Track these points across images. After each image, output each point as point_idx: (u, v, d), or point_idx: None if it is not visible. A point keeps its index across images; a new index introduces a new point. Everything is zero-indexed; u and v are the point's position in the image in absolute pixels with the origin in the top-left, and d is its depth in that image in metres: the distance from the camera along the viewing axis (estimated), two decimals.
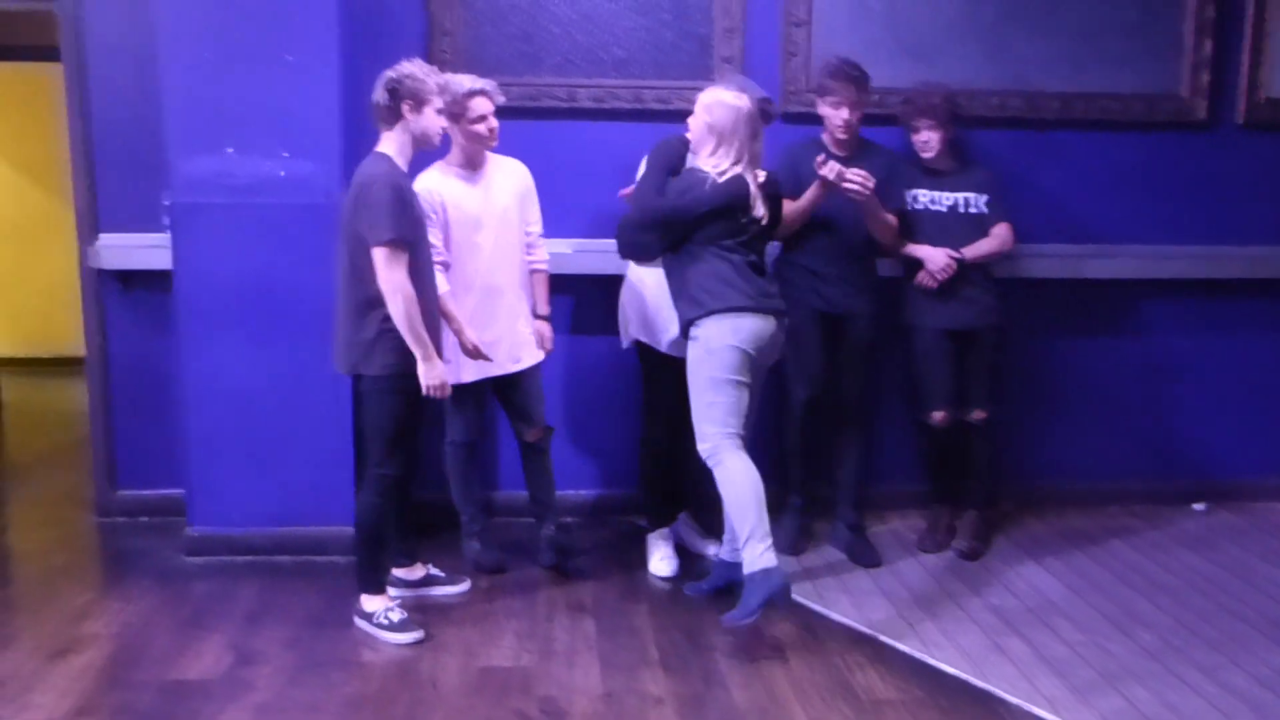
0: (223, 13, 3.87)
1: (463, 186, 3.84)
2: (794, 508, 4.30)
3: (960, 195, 4.21)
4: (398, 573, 3.82)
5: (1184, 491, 4.90)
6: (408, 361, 3.42)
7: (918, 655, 3.44)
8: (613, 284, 4.17)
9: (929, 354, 4.26)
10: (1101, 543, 4.43)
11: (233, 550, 4.12)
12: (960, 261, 4.12)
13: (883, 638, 3.56)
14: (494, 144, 3.84)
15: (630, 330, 4.09)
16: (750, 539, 3.47)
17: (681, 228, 3.64)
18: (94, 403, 4.55)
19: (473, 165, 3.87)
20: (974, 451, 4.36)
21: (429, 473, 4.22)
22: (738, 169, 3.61)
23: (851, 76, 3.97)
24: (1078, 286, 4.69)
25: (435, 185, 3.80)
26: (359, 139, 3.91)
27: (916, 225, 4.23)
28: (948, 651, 3.46)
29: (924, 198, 4.23)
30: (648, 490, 4.23)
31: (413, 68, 3.44)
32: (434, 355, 3.44)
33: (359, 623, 3.60)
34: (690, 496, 4.24)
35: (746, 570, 3.47)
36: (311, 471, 4.10)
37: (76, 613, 3.68)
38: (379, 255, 3.32)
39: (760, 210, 3.69)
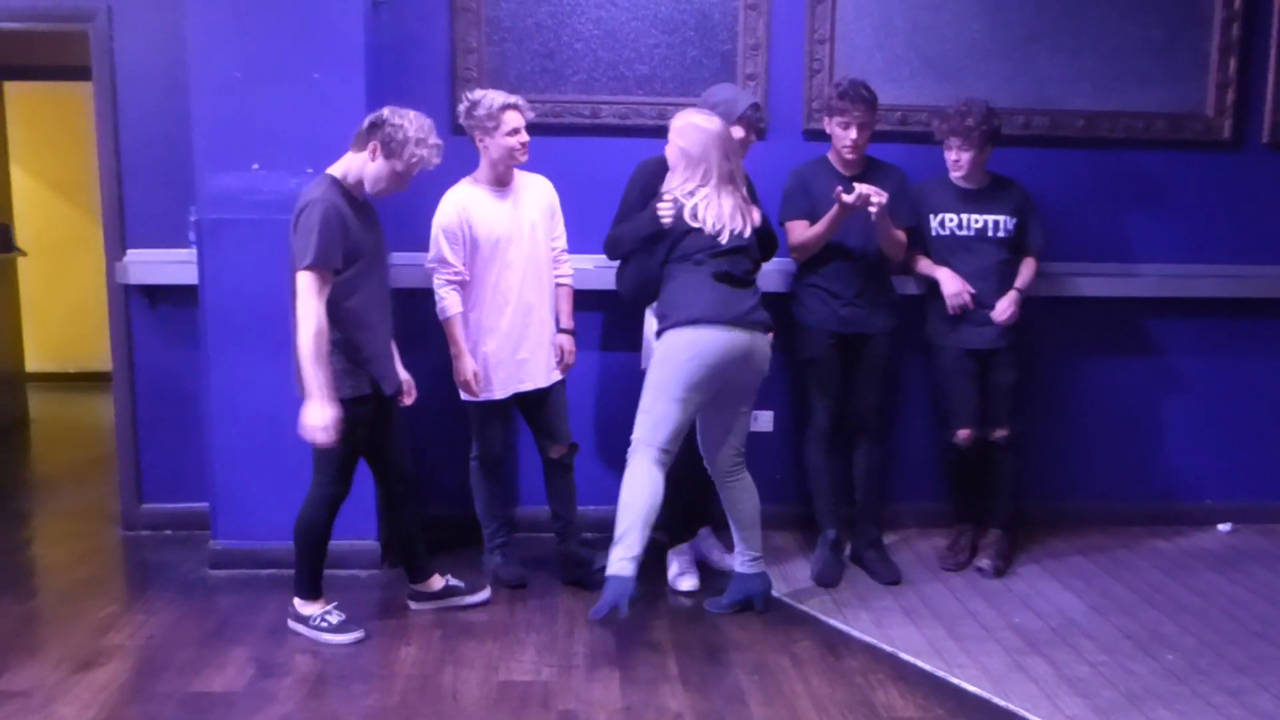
0: (251, 32, 3.92)
1: (492, 203, 3.86)
2: (827, 541, 4.20)
3: (990, 218, 4.18)
4: (416, 587, 3.83)
5: (1209, 512, 4.87)
6: (354, 386, 3.43)
7: (939, 674, 3.42)
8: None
9: (952, 373, 4.24)
10: (1125, 562, 4.40)
11: (256, 563, 4.14)
12: (976, 292, 4.14)
13: (904, 655, 3.54)
14: (525, 158, 3.85)
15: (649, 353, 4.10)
16: (619, 542, 3.51)
17: (644, 246, 3.70)
18: (120, 417, 4.60)
19: (502, 182, 3.88)
20: (997, 470, 4.33)
21: (450, 488, 4.24)
22: (705, 189, 3.64)
23: (863, 97, 3.97)
24: (1102, 305, 4.68)
25: (463, 203, 3.82)
26: None
27: (938, 250, 4.22)
28: (969, 670, 3.44)
29: (950, 222, 4.20)
30: (669, 506, 4.21)
31: (410, 124, 3.37)
32: (325, 398, 3.28)
33: (294, 626, 3.64)
34: (711, 512, 4.22)
35: (608, 571, 3.51)
36: None
37: (101, 625, 3.71)
38: (300, 279, 3.30)
39: (740, 224, 3.68)
